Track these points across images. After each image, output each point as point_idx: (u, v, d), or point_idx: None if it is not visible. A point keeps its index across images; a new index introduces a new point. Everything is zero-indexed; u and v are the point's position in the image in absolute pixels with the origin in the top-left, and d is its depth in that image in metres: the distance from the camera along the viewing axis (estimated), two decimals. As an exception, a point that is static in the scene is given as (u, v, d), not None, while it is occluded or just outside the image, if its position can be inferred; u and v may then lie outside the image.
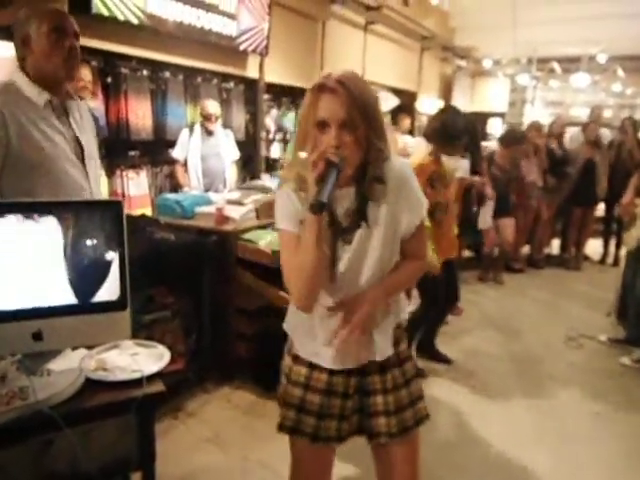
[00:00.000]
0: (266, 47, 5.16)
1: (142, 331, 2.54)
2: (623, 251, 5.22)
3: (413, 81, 10.13)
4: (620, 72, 9.88)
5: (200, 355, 2.92)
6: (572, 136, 6.26)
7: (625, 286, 3.99)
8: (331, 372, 1.42)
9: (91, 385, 1.35)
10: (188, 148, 4.18)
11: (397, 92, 9.67)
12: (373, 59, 8.00)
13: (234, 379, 3.07)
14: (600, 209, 6.37)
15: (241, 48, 4.88)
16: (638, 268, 3.63)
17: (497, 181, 5.13)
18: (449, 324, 4.13)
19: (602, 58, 10.11)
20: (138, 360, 1.42)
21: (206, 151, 4.21)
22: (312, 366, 1.43)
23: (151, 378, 1.38)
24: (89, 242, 1.31)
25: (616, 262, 6.01)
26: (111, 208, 1.35)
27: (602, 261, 6.37)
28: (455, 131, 3.02)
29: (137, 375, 1.35)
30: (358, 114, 1.22)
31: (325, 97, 1.22)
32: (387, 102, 9.53)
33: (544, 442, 2.71)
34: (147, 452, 1.39)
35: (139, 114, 4.09)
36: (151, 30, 3.91)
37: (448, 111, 3.26)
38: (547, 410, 3.03)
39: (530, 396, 3.19)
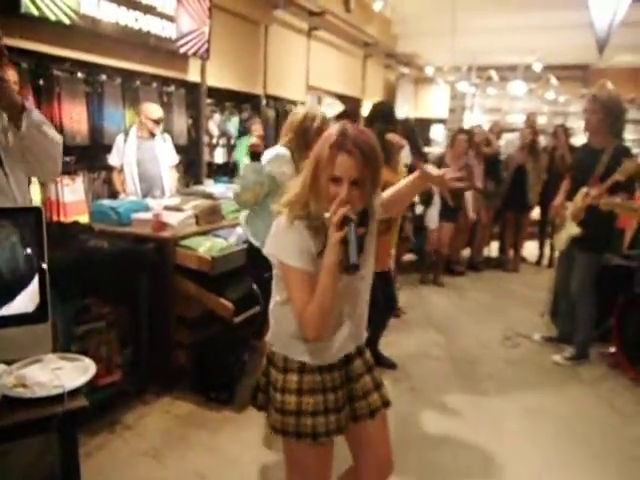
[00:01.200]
0: (207, 51, 5.09)
1: (75, 343, 2.45)
2: (557, 253, 5.50)
3: (357, 87, 10.25)
4: (554, 80, 10.36)
5: (138, 366, 2.84)
6: (508, 142, 6.50)
7: (557, 286, 4.16)
8: (329, 368, 1.58)
9: (9, 403, 1.28)
10: (124, 153, 4.07)
11: (342, 98, 9.76)
12: (317, 65, 8.05)
13: (173, 389, 3.00)
14: (536, 212, 6.65)
15: (181, 51, 4.80)
16: (570, 268, 3.79)
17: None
18: (389, 327, 4.19)
19: (537, 67, 10.57)
20: (60, 375, 1.36)
21: (142, 155, 4.12)
22: (320, 370, 1.56)
23: (74, 393, 1.32)
24: (4, 251, 1.25)
25: (551, 264, 6.27)
26: (29, 215, 1.29)
27: (538, 262, 6.65)
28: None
29: (58, 391, 1.30)
30: (368, 174, 1.41)
31: (341, 156, 1.39)
32: (332, 108, 9.62)
33: (479, 440, 2.78)
34: (71, 472, 1.33)
35: (74, 118, 3.94)
36: (85, 31, 3.79)
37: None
38: (483, 408, 3.13)
39: (468, 395, 3.28)
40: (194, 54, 4.98)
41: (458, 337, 4.22)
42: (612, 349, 3.77)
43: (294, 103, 7.08)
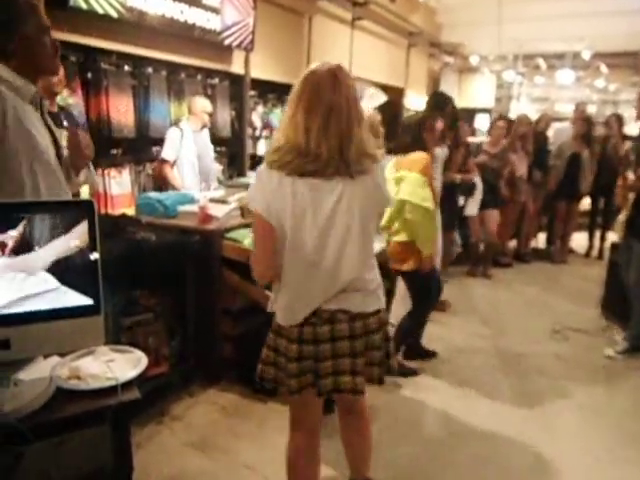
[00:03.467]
0: (251, 42, 5.09)
1: (124, 334, 2.48)
2: (607, 244, 5.29)
3: (400, 77, 10.10)
4: (603, 68, 9.94)
5: (185, 357, 2.87)
6: (556, 131, 6.26)
7: (621, 282, 3.96)
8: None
9: (63, 395, 1.29)
10: (180, 148, 4.03)
11: (385, 88, 9.63)
12: (360, 55, 7.96)
13: (220, 381, 3.02)
14: (586, 203, 6.40)
15: (226, 43, 4.81)
16: (629, 259, 3.64)
17: (486, 171, 5.14)
18: (436, 321, 4.12)
19: (586, 55, 10.16)
20: (113, 367, 1.36)
21: (200, 149, 4.14)
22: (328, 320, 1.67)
23: (127, 385, 1.32)
24: (60, 244, 1.25)
25: (601, 255, 6.05)
26: (83, 208, 1.29)
27: (587, 254, 6.41)
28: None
29: (111, 383, 1.30)
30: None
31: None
32: (375, 99, 9.50)
33: (530, 436, 2.69)
34: (124, 463, 1.34)
35: (121, 111, 4.01)
36: (132, 24, 3.83)
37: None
38: (533, 404, 3.02)
39: (516, 390, 3.18)
40: (238, 46, 4.99)
41: (505, 330, 4.10)
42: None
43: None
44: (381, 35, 8.89)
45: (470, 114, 11.74)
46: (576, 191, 5.93)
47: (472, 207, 5.19)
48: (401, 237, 3.03)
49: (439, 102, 3.89)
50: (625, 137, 6.01)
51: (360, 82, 8.79)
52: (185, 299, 2.83)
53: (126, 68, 4.11)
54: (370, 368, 1.75)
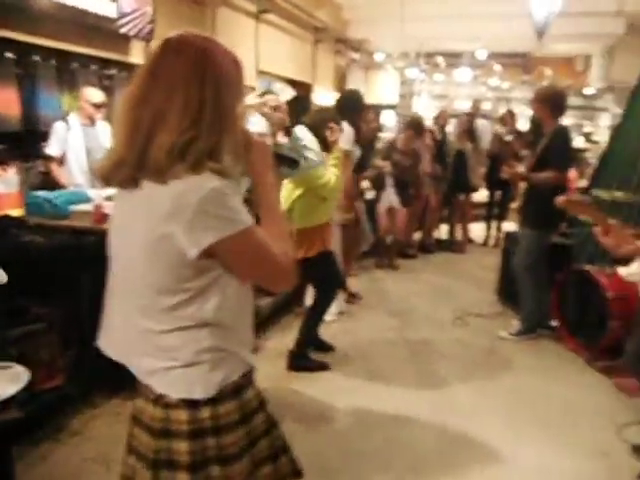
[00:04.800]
0: (150, 32, 4.88)
1: (11, 347, 2.28)
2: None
3: (308, 73, 10.13)
4: (497, 67, 10.58)
5: (82, 368, 2.70)
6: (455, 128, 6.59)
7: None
8: None
9: None
10: (66, 143, 3.82)
11: (293, 83, 9.63)
12: (267, 49, 7.89)
13: (123, 390, 2.87)
14: (484, 195, 6.80)
15: (122, 31, 4.57)
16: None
17: (398, 168, 5.31)
18: (346, 313, 4.21)
19: (482, 54, 10.75)
20: (-12, 385, 1.25)
21: (90, 144, 3.89)
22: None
23: (5, 403, 1.21)
24: None
25: (497, 244, 6.46)
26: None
27: (485, 243, 6.83)
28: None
29: (-15, 402, 1.19)
30: None
31: None
32: (283, 94, 9.47)
33: (435, 419, 2.82)
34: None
35: (3, 102, 3.69)
36: (15, 7, 3.53)
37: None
38: (437, 388, 3.18)
39: (422, 376, 3.33)
40: (136, 35, 4.75)
41: (413, 319, 4.27)
42: (554, 323, 3.91)
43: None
44: (287, 30, 8.86)
45: (377, 110, 12.03)
46: (467, 185, 6.31)
47: (383, 204, 5.38)
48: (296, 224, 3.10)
49: (348, 102, 3.95)
50: (518, 133, 6.43)
51: (268, 77, 8.74)
52: (81, 305, 2.66)
53: (9, 55, 3.78)
54: None
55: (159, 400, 1.12)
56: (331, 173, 3.07)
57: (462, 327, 4.14)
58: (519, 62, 12.82)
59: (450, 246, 6.57)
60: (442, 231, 6.87)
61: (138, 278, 1.11)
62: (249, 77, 7.48)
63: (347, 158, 3.66)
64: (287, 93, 9.53)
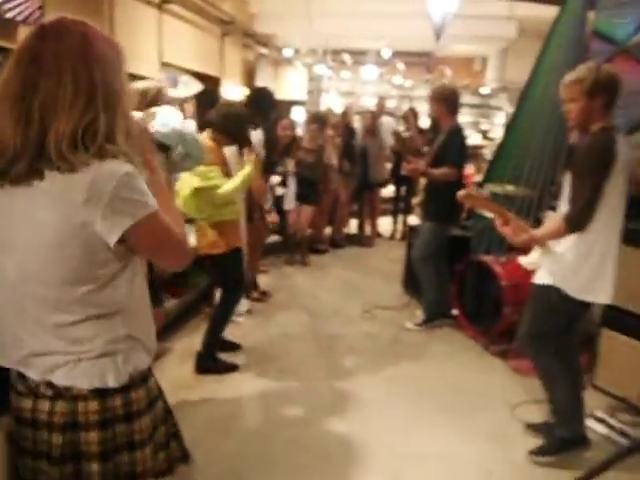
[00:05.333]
0: (40, 18, 4.52)
1: None
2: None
3: (215, 66, 9.91)
4: (400, 66, 10.94)
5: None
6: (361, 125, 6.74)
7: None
8: None
9: None
10: None
11: (200, 77, 9.38)
12: (171, 41, 7.62)
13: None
14: (391, 190, 7.02)
15: (7, 16, 4.20)
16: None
17: (303, 165, 5.34)
18: (256, 312, 4.18)
19: (386, 53, 11.07)
20: None
21: None
22: None
23: None
24: None
25: (404, 237, 6.69)
26: None
27: (392, 237, 7.06)
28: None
29: None
30: None
31: None
32: (189, 87, 9.21)
33: (343, 414, 2.88)
34: None
35: None
36: None
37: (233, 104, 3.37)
38: (346, 382, 3.23)
39: (331, 371, 3.37)
40: (24, 21, 4.39)
41: (322, 315, 4.32)
42: (455, 312, 4.12)
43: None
44: (193, 21, 8.61)
45: (287, 106, 12.04)
46: (372, 181, 6.50)
47: (288, 200, 5.39)
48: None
49: (259, 100, 4.04)
50: (420, 130, 6.70)
51: (173, 69, 8.46)
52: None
53: None
54: None
55: (63, 394, 1.13)
56: (231, 183, 3.00)
57: (370, 320, 4.24)
58: (422, 61, 13.36)
59: (360, 241, 6.73)
60: (352, 226, 7.01)
61: (43, 272, 1.09)
62: (152, 69, 7.20)
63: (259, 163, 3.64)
64: (194, 86, 9.29)
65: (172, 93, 8.63)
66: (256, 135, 3.98)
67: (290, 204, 5.41)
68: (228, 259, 3.09)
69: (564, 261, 2.32)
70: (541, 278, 2.42)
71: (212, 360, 3.26)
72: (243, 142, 3.30)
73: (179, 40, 8.15)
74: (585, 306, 2.39)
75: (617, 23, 4.01)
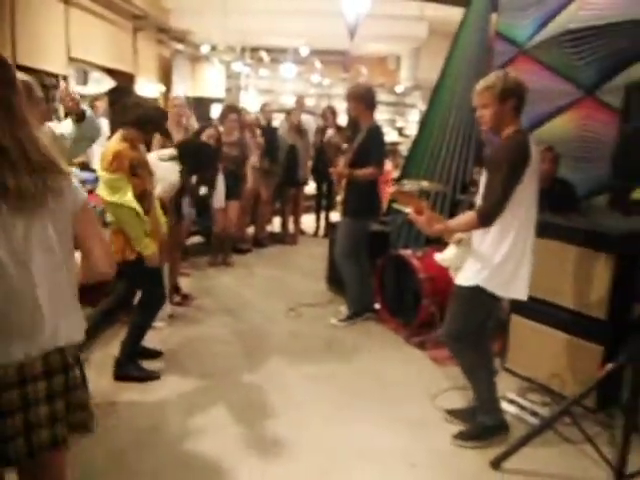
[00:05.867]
0: None
1: None
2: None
3: (129, 62, 9.55)
4: (318, 64, 11.05)
5: None
6: (281, 123, 6.73)
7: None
8: None
9: None
10: None
11: (112, 73, 9.01)
12: (79, 35, 7.26)
13: None
14: (312, 188, 7.07)
15: None
16: None
17: (228, 159, 5.24)
18: (179, 317, 4.07)
19: (304, 51, 11.13)
20: None
21: None
22: None
23: None
24: None
25: (327, 234, 6.77)
26: None
27: (315, 234, 7.12)
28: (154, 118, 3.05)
29: None
30: None
31: None
32: (100, 84, 8.81)
33: (271, 414, 2.87)
34: None
35: None
36: None
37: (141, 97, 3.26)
38: (272, 381, 3.22)
39: (257, 373, 3.34)
40: None
41: (247, 315, 4.27)
42: (377, 305, 4.22)
43: (55, 76, 6.28)
44: (102, 15, 8.24)
45: (206, 103, 11.81)
46: (297, 178, 6.53)
47: (218, 200, 5.27)
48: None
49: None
50: (339, 128, 6.78)
51: (82, 64, 8.05)
52: None
53: None
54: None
55: None
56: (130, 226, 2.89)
57: (295, 318, 4.26)
58: (339, 60, 13.56)
59: (283, 239, 6.73)
60: (275, 224, 6.99)
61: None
62: (59, 64, 6.80)
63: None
64: (106, 83, 8.89)
65: (81, 90, 8.27)
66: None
67: (220, 202, 5.30)
68: (143, 264, 2.98)
69: (488, 260, 2.43)
70: (465, 279, 2.51)
71: (132, 368, 3.14)
72: (160, 130, 3.19)
73: (88, 35, 7.78)
74: (498, 300, 2.53)
75: (517, 25, 4.25)
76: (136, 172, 2.92)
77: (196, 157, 3.03)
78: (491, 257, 2.42)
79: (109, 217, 3.01)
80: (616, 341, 2.86)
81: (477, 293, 2.45)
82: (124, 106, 3.07)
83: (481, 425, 2.65)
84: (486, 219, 2.37)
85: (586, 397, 2.64)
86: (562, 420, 2.53)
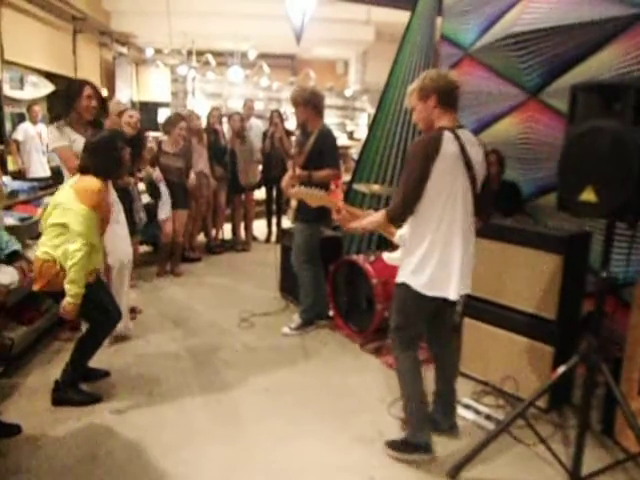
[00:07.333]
0: None
1: None
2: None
3: (68, 65, 9.20)
4: (266, 68, 10.94)
5: None
6: (229, 128, 6.56)
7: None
8: None
9: None
10: None
11: (50, 76, 8.65)
12: (14, 37, 6.91)
13: None
14: (263, 193, 6.94)
15: None
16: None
17: (171, 172, 5.08)
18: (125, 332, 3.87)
19: (252, 54, 11.00)
20: None
21: None
22: None
23: None
24: None
25: (279, 239, 6.66)
26: None
27: (267, 240, 6.99)
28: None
29: None
30: None
31: None
32: (39, 88, 8.43)
33: (221, 432, 2.73)
34: None
35: None
36: None
37: None
38: (223, 398, 3.08)
39: (207, 388, 3.18)
40: None
41: (197, 328, 4.10)
42: (330, 312, 4.15)
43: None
44: (39, 17, 7.89)
45: (153, 108, 11.50)
46: (243, 184, 6.40)
47: (164, 210, 5.09)
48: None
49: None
50: (288, 132, 6.69)
51: (17, 68, 7.66)
52: None
53: None
54: None
55: None
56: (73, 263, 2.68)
57: (248, 329, 4.11)
58: (287, 64, 13.50)
59: (235, 246, 6.57)
60: (226, 231, 6.82)
61: None
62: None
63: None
64: (43, 87, 8.51)
65: (17, 94, 7.86)
66: None
67: (165, 213, 5.12)
68: (90, 288, 2.79)
69: (410, 259, 2.41)
70: (398, 277, 2.49)
71: (73, 391, 2.93)
72: (112, 175, 3.05)
73: (23, 36, 7.43)
74: (437, 300, 2.40)
75: (462, 29, 4.28)
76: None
77: (107, 153, 2.84)
78: (412, 255, 2.39)
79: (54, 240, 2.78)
80: (566, 341, 2.90)
81: (405, 290, 2.42)
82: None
83: (406, 439, 2.55)
84: (393, 217, 2.40)
85: (539, 399, 2.65)
86: (516, 422, 2.51)
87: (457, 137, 2.30)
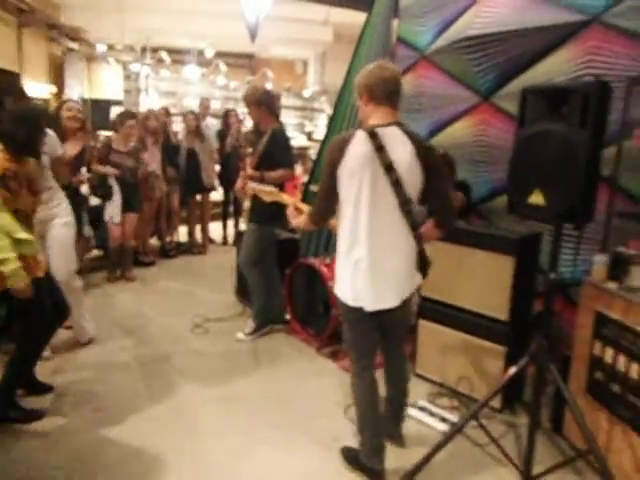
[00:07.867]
0: None
1: None
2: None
3: (11, 60, 8.81)
4: (223, 67, 10.78)
5: None
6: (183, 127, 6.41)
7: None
8: None
9: None
10: None
11: (-7, 72, 8.24)
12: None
13: None
14: (219, 194, 6.81)
15: None
16: None
17: (122, 169, 4.90)
18: (68, 344, 3.69)
19: (209, 53, 10.81)
20: None
21: None
22: None
23: None
24: None
25: (236, 242, 6.56)
26: None
27: (224, 242, 6.86)
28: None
29: None
30: None
31: None
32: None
33: (175, 446, 2.63)
34: None
35: None
36: None
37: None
38: (175, 411, 2.96)
39: (158, 401, 3.06)
40: None
41: (149, 336, 3.95)
42: (287, 316, 4.08)
43: None
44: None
45: (105, 106, 11.15)
46: (201, 184, 6.24)
47: (114, 212, 4.90)
48: None
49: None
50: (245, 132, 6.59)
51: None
52: None
53: None
54: None
55: None
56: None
57: (202, 335, 4.00)
58: (245, 63, 13.36)
59: (191, 249, 6.42)
60: (181, 233, 6.65)
61: None
62: None
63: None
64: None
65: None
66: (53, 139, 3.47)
67: (116, 217, 4.92)
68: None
69: (337, 268, 2.36)
70: None
71: (11, 408, 2.76)
72: (33, 154, 2.84)
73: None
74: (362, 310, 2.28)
75: (418, 31, 4.29)
76: (7, 185, 2.58)
77: (34, 125, 2.69)
78: (338, 265, 2.34)
79: None
80: (518, 341, 2.93)
81: (337, 298, 2.36)
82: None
83: (358, 457, 2.47)
84: (313, 219, 2.41)
85: (492, 399, 2.67)
86: (470, 423, 2.52)
87: (373, 136, 2.14)
